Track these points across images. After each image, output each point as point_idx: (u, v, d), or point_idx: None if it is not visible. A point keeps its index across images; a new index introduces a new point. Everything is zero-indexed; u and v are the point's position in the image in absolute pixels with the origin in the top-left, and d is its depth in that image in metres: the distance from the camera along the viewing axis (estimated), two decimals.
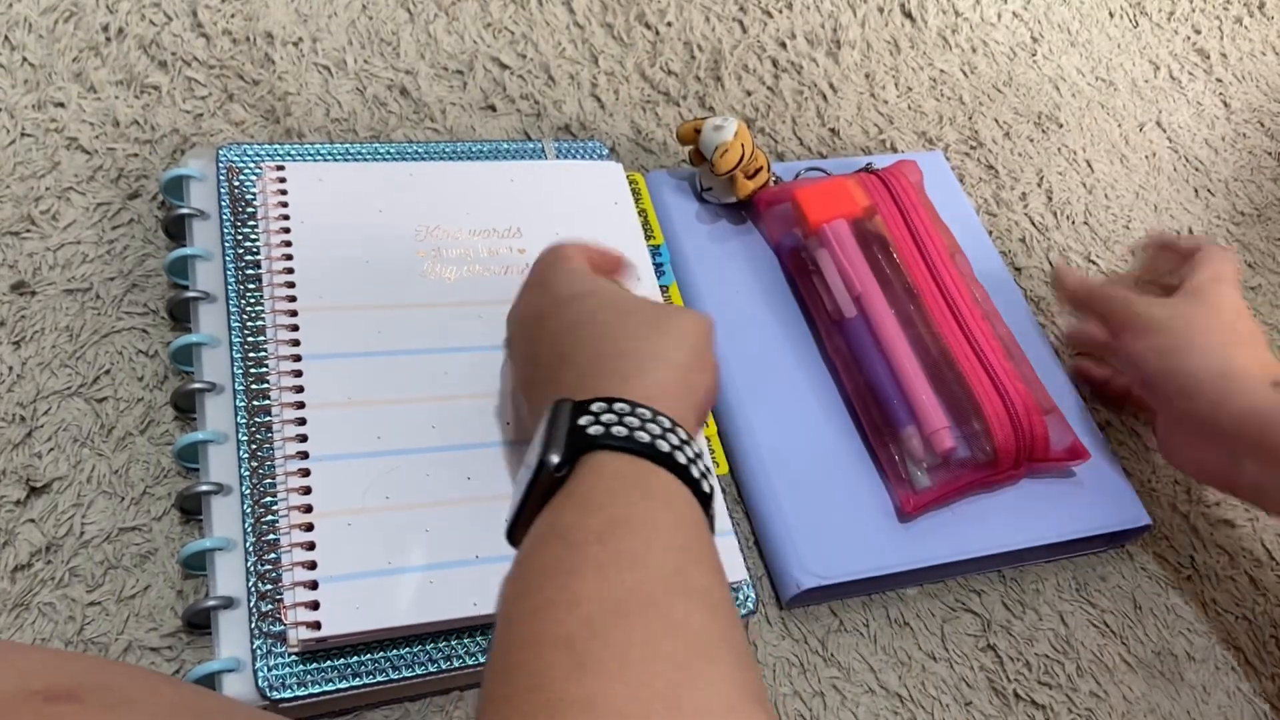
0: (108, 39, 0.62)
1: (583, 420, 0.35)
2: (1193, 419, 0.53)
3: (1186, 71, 0.87)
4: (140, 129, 0.59)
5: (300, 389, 0.48)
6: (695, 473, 0.35)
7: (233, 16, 0.65)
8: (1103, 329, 0.60)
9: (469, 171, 0.58)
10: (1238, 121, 0.85)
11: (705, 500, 0.35)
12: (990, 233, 0.70)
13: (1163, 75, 0.86)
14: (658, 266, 0.59)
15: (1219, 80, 0.87)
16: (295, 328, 0.49)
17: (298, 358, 0.49)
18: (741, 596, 0.50)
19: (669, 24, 0.75)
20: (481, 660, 0.45)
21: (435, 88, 0.66)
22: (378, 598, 0.44)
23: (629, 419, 0.35)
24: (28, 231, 0.54)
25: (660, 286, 0.58)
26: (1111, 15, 0.89)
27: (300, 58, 0.64)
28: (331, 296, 0.51)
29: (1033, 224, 0.73)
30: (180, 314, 0.53)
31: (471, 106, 0.66)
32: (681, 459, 0.35)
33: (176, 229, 0.55)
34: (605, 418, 0.35)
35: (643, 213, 0.61)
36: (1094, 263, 0.72)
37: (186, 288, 0.52)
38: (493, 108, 0.66)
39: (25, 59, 0.60)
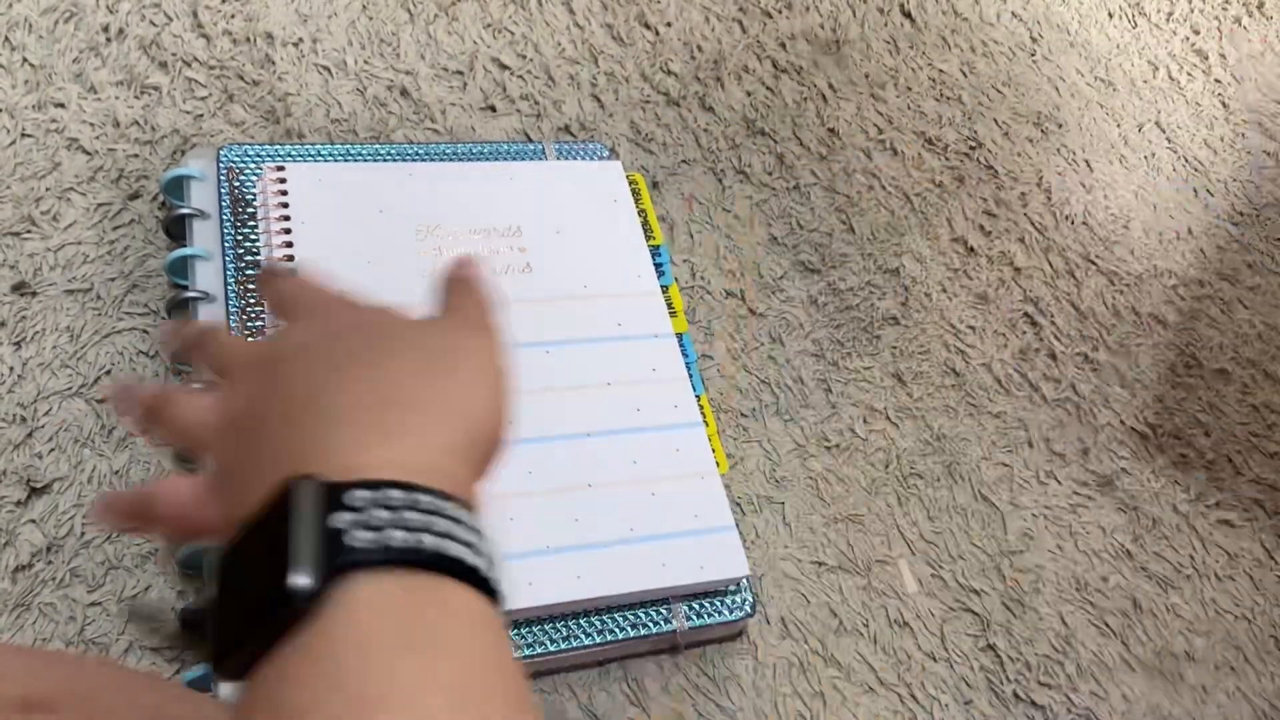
0: (108, 39, 0.62)
1: (339, 520, 0.24)
2: None
3: (1185, 72, 0.87)
4: (140, 129, 0.59)
5: None
6: (492, 579, 0.26)
7: (233, 17, 0.65)
8: None
9: (469, 171, 0.58)
10: (1236, 122, 0.85)
11: (496, 594, 0.26)
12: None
13: (1162, 76, 0.86)
14: (657, 267, 0.59)
15: (1218, 81, 0.87)
16: None
17: None
18: (739, 599, 0.50)
19: (669, 24, 0.75)
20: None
21: (435, 88, 0.66)
22: None
23: (408, 514, 0.25)
24: (28, 232, 0.54)
25: (661, 287, 0.58)
26: (1110, 16, 0.89)
27: (300, 58, 0.64)
28: None
29: (1032, 224, 0.73)
30: (179, 314, 0.53)
31: (471, 107, 0.66)
32: (472, 559, 0.25)
33: (177, 229, 0.55)
34: (372, 515, 0.24)
35: (642, 213, 0.61)
36: (1094, 262, 0.72)
37: (186, 287, 0.52)
38: (493, 108, 0.66)
39: (25, 59, 0.60)
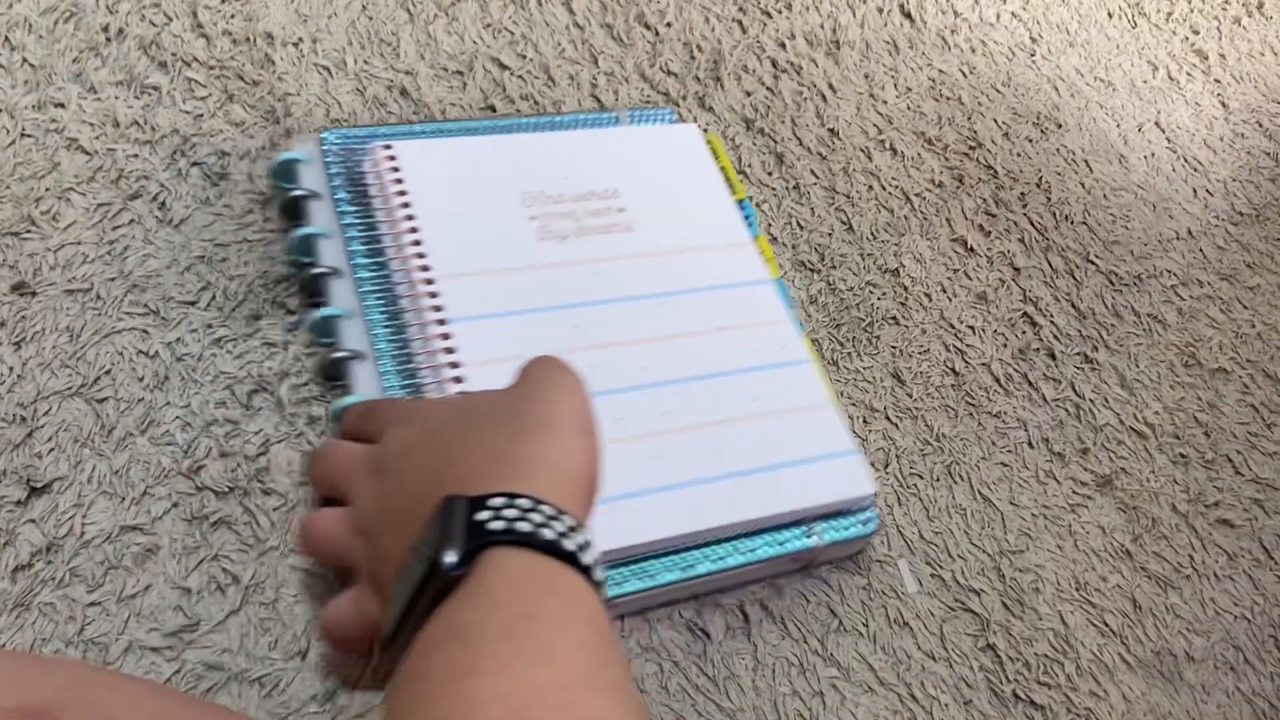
0: (108, 39, 0.62)
1: (481, 515, 0.32)
2: None
3: (1185, 72, 0.87)
4: (140, 129, 0.59)
5: (451, 350, 0.51)
6: (598, 576, 0.33)
7: (233, 17, 0.65)
8: None
9: (561, 140, 0.62)
10: (1236, 122, 0.85)
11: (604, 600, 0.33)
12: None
13: (1161, 76, 0.86)
14: (745, 219, 0.62)
15: (1217, 81, 0.87)
16: (435, 294, 0.53)
17: (443, 321, 0.52)
18: (866, 516, 0.54)
19: (669, 24, 0.75)
20: (668, 580, 0.49)
21: (435, 88, 0.66)
22: None
23: (532, 515, 0.32)
24: (28, 232, 0.54)
25: (751, 238, 0.62)
26: (1110, 16, 0.89)
27: (300, 58, 0.64)
28: (461, 264, 0.54)
29: (1032, 224, 0.73)
30: (311, 291, 0.55)
31: (471, 107, 0.66)
32: (586, 559, 0.33)
33: (292, 211, 0.57)
34: (507, 512, 0.32)
35: (722, 169, 0.64)
36: (1094, 262, 0.72)
37: (312, 264, 0.54)
38: (492, 108, 0.66)
39: (25, 59, 0.60)
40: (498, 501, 0.32)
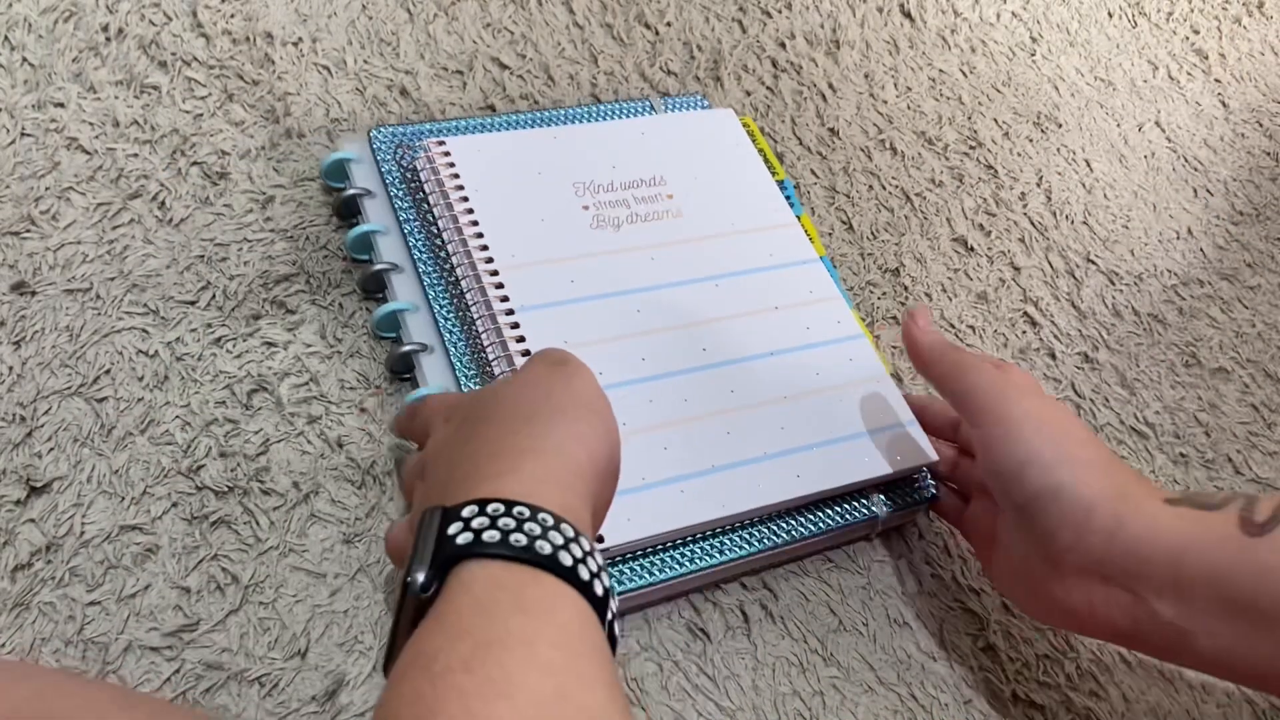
0: (108, 39, 0.62)
1: (452, 529, 0.31)
2: (1082, 554, 0.43)
3: (1185, 71, 0.87)
4: (140, 129, 0.59)
5: (522, 339, 0.52)
6: (584, 574, 0.31)
7: (233, 16, 0.65)
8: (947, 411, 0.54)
9: (604, 130, 0.63)
10: (1236, 121, 0.85)
11: (600, 602, 0.31)
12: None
13: (1161, 75, 0.86)
14: (786, 199, 0.63)
15: (1218, 80, 0.87)
16: (501, 285, 0.54)
17: (511, 311, 0.53)
18: (924, 482, 0.56)
19: (669, 24, 0.75)
20: (725, 558, 0.50)
21: (435, 88, 0.66)
22: (643, 510, 0.49)
23: (504, 520, 0.31)
24: (28, 231, 0.54)
25: (795, 217, 0.63)
26: (1110, 15, 0.89)
27: (300, 58, 0.64)
28: (522, 255, 0.55)
29: (1032, 224, 0.73)
30: (371, 287, 0.56)
31: (471, 107, 0.66)
32: (567, 560, 0.31)
33: (348, 210, 0.58)
34: (476, 522, 0.31)
35: (760, 152, 0.65)
36: (1094, 262, 0.72)
37: (370, 262, 0.56)
38: (492, 108, 0.66)
39: (25, 59, 0.60)
40: (468, 511, 0.31)
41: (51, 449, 0.49)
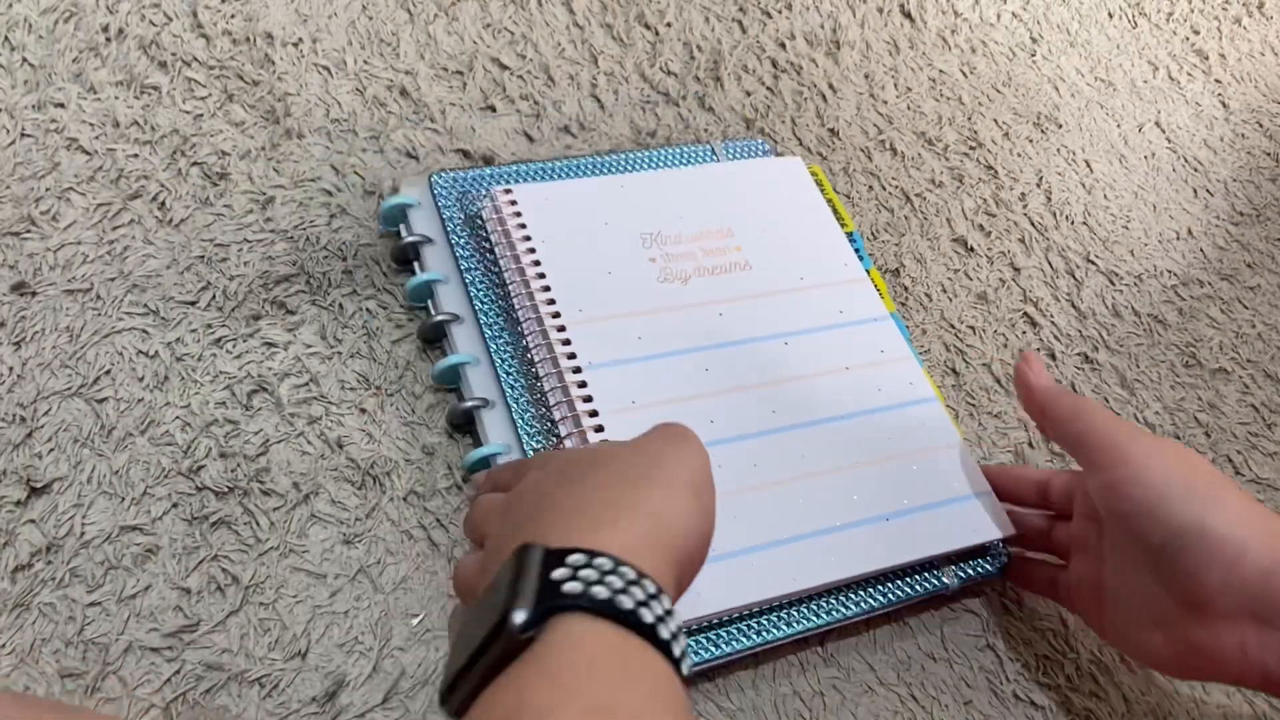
0: (108, 39, 0.62)
1: (557, 574, 0.30)
2: (1235, 595, 0.41)
3: (1185, 72, 0.87)
4: (140, 129, 0.59)
5: (590, 398, 0.50)
6: (676, 651, 0.31)
7: (233, 17, 0.65)
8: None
9: (671, 178, 0.61)
10: (1236, 122, 0.85)
11: (683, 679, 0.31)
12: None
13: (1161, 76, 0.86)
14: (855, 253, 0.62)
15: (1218, 81, 0.87)
16: (568, 341, 0.52)
17: (579, 369, 0.51)
18: (997, 552, 0.54)
19: (669, 24, 0.75)
20: (797, 628, 0.49)
21: (435, 88, 0.66)
22: (715, 583, 0.47)
23: (611, 578, 0.30)
24: (28, 232, 0.54)
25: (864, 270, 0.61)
26: (1110, 16, 0.89)
27: (300, 58, 0.64)
28: (590, 309, 0.54)
29: (1032, 224, 0.73)
30: (430, 336, 0.55)
31: (471, 107, 0.66)
32: (664, 634, 0.30)
33: (404, 257, 0.57)
34: (584, 573, 0.30)
35: (829, 203, 0.64)
36: (1094, 262, 0.72)
37: (428, 309, 0.55)
38: (492, 108, 0.66)
39: (25, 59, 0.60)
40: (577, 559, 0.30)
41: (52, 450, 0.49)
